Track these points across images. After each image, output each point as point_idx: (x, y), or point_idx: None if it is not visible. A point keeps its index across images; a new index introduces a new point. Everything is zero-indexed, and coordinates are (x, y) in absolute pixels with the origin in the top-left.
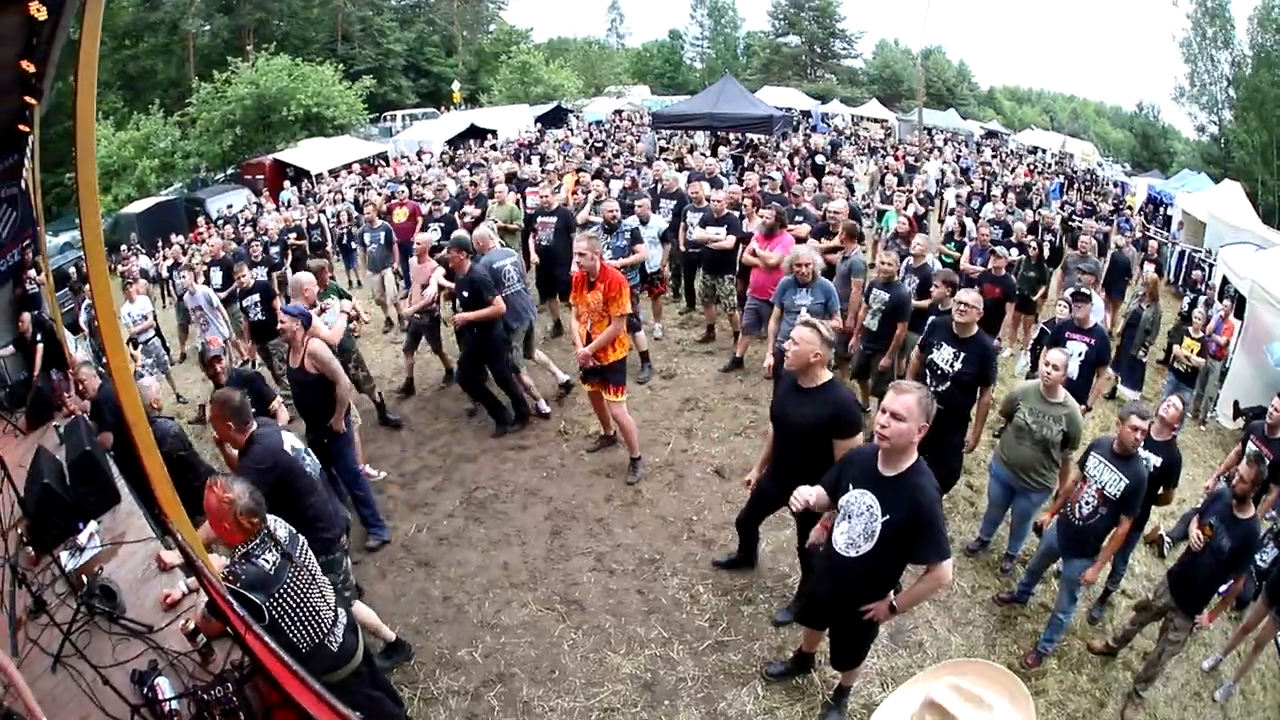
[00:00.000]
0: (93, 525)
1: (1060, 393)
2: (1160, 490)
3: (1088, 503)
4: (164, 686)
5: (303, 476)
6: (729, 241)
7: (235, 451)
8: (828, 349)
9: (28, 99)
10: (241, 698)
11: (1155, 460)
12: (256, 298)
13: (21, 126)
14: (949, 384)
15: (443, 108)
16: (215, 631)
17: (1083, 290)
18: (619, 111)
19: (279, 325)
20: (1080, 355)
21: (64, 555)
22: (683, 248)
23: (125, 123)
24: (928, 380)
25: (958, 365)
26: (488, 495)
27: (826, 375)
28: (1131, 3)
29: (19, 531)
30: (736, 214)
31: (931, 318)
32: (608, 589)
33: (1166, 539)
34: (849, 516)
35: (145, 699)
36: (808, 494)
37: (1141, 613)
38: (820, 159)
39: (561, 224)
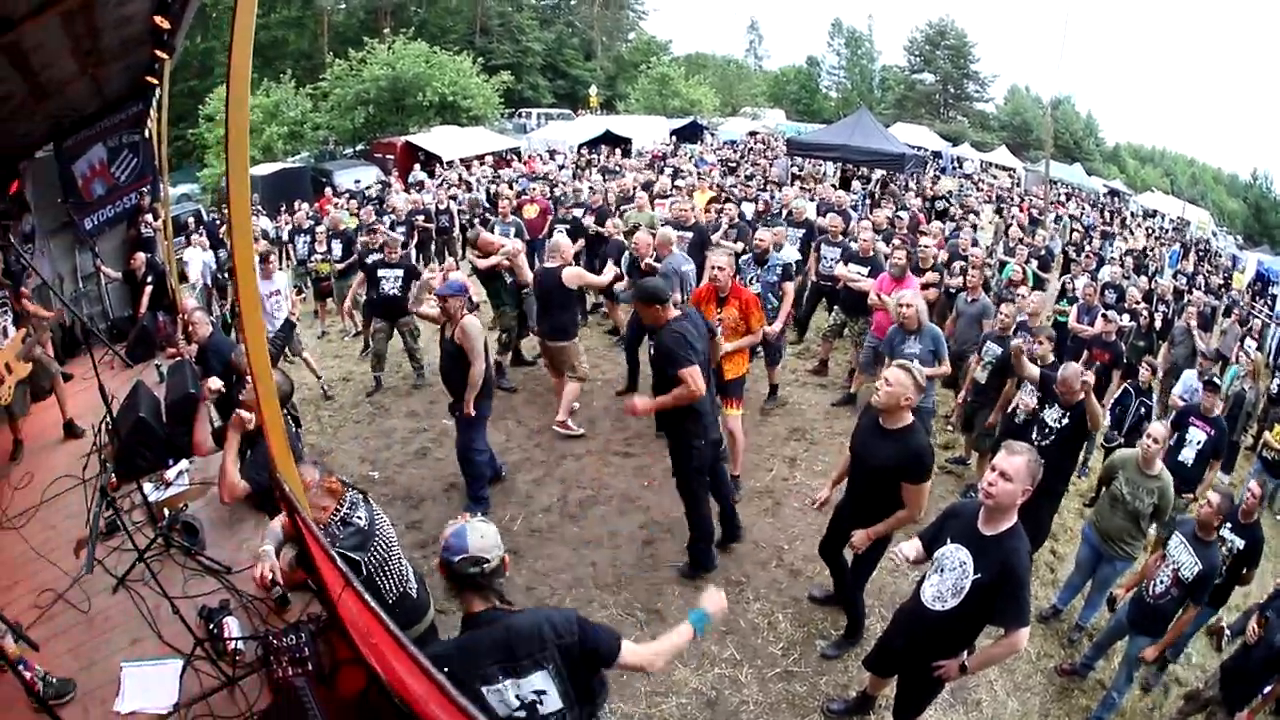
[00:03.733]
0: (183, 464)
1: (1156, 465)
2: (1244, 570)
3: (1162, 582)
4: (232, 625)
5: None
6: (869, 284)
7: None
8: (918, 394)
9: (158, 53)
10: (313, 649)
11: (1239, 542)
12: (400, 273)
13: (149, 79)
14: (1051, 440)
15: (579, 110)
16: (297, 582)
17: (1214, 380)
18: (754, 133)
19: (442, 302)
20: (1199, 444)
21: (148, 487)
22: (813, 278)
23: (255, 88)
24: (1034, 437)
25: (1063, 423)
26: (586, 495)
27: (909, 418)
28: (1261, 65)
29: (103, 456)
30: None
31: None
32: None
33: (1227, 632)
34: (941, 570)
35: (210, 634)
36: (906, 550)
37: (1189, 703)
38: (940, 204)
39: (696, 240)
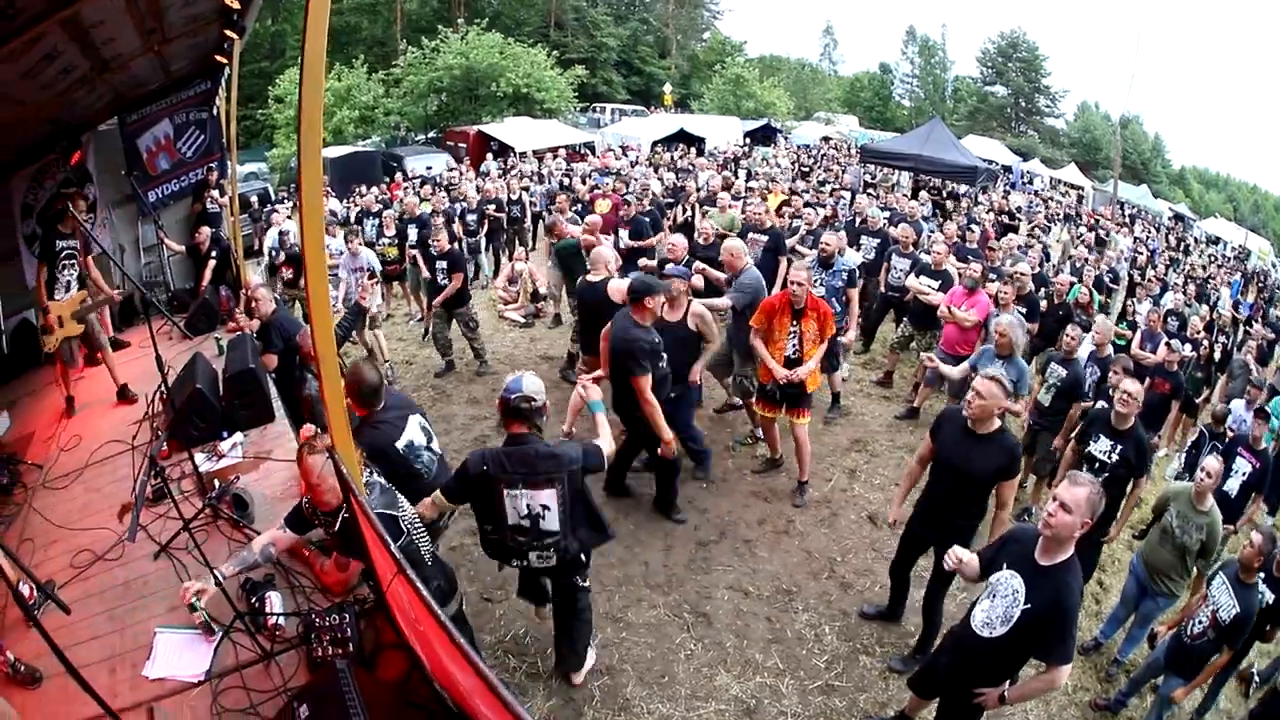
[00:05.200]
0: (238, 437)
1: (1207, 501)
2: (1268, 627)
3: (1201, 622)
4: (275, 601)
5: (410, 476)
6: (938, 298)
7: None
8: (1008, 401)
9: (228, 32)
10: (356, 630)
11: (1270, 595)
12: (446, 264)
13: (218, 58)
14: (1106, 476)
15: (652, 107)
16: (332, 585)
17: (1265, 409)
18: (827, 139)
19: (672, 285)
20: (1245, 475)
21: (200, 457)
22: (883, 289)
23: (327, 72)
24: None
25: (1114, 457)
26: (644, 494)
27: (998, 422)
28: None
29: (154, 425)
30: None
31: (1092, 409)
32: (738, 609)
33: (1255, 677)
34: (994, 595)
35: (251, 608)
36: (963, 554)
37: None
38: (1006, 218)
39: (771, 244)
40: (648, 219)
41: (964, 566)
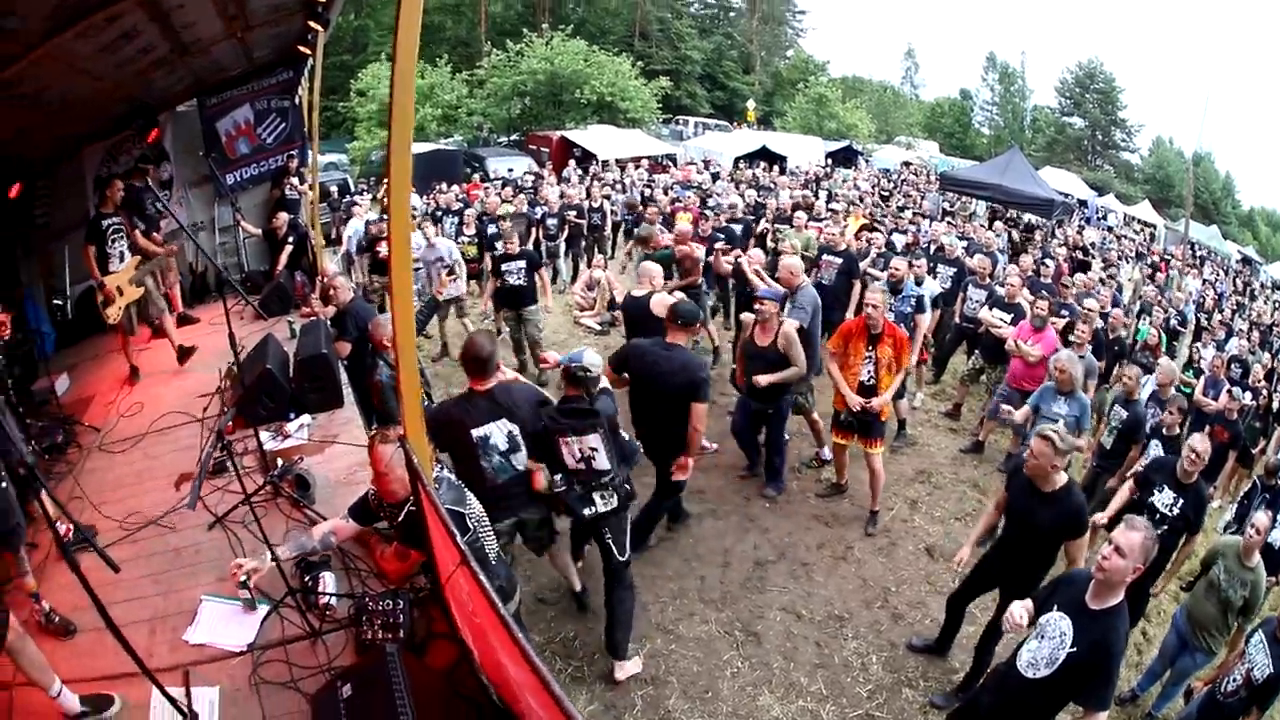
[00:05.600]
0: (305, 419)
1: (1255, 558)
2: None
3: (1235, 680)
4: (328, 580)
5: (477, 472)
6: (1009, 331)
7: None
8: (1063, 458)
9: (312, 24)
10: (408, 616)
11: None
12: (522, 264)
13: (301, 48)
14: (1165, 529)
15: (735, 123)
16: (393, 572)
17: None
18: (907, 164)
19: (758, 306)
20: None
21: (265, 436)
22: (958, 320)
23: None
24: None
25: (1175, 510)
26: (706, 509)
27: (1063, 479)
28: None
29: (223, 400)
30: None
31: (1155, 453)
32: (789, 631)
33: None
34: (1042, 636)
35: (304, 585)
36: (1020, 611)
37: None
38: (1080, 254)
39: (845, 266)
40: (723, 235)
41: (1020, 621)
